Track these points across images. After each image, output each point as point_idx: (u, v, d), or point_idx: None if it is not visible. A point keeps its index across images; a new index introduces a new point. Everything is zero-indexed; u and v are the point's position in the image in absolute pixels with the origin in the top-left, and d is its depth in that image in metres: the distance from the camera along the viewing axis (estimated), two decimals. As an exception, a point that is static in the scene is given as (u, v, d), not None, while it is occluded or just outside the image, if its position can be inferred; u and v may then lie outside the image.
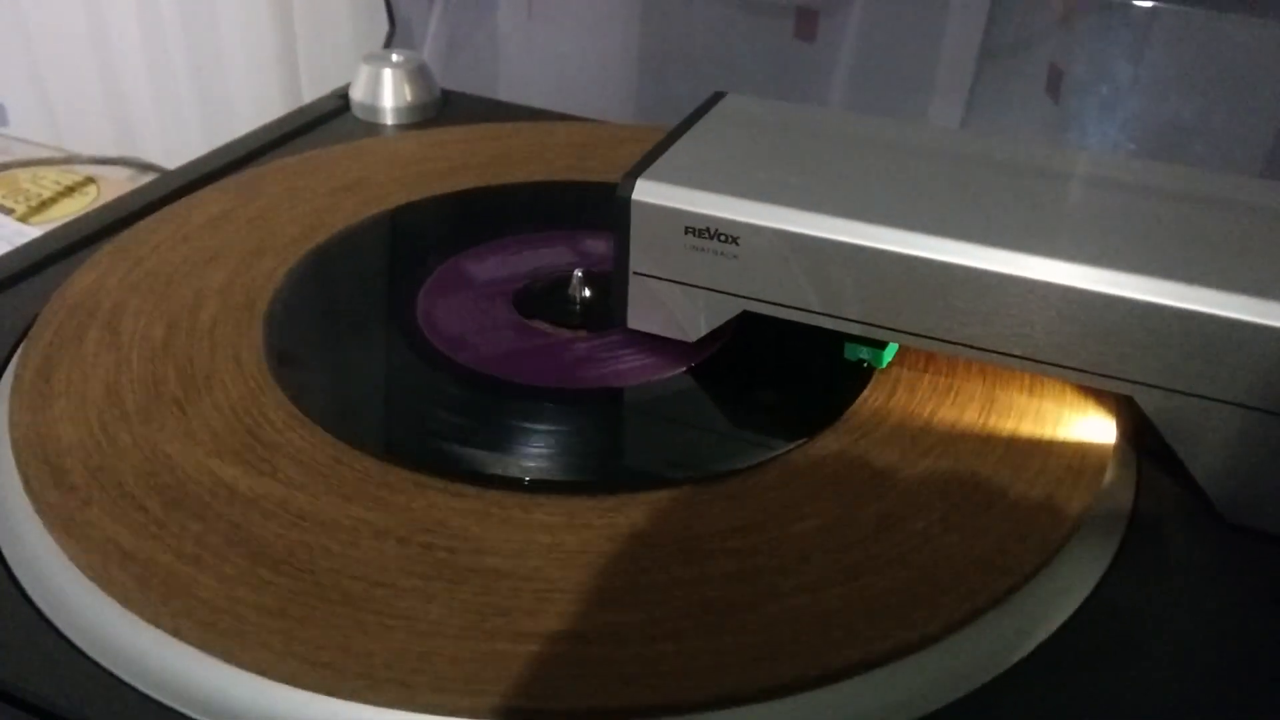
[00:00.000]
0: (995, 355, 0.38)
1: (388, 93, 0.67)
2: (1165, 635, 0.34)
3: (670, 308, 0.42)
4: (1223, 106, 0.66)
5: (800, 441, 0.39)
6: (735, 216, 0.39)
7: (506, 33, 0.84)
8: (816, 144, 0.45)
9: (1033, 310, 0.37)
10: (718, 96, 0.48)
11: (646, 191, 0.41)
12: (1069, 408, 0.41)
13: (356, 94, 0.68)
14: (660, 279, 0.42)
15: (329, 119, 0.68)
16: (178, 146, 0.88)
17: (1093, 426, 0.40)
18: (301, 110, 0.68)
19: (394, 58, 0.68)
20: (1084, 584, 0.35)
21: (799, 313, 0.40)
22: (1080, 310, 0.36)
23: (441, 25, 0.84)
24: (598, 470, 0.38)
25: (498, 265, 0.49)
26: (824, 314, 0.40)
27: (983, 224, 0.38)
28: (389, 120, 0.67)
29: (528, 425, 0.39)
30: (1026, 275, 0.36)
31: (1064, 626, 0.34)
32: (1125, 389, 0.37)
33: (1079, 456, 0.39)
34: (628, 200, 0.41)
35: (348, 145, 0.62)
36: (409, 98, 0.68)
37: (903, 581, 0.33)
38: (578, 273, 0.46)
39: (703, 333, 0.42)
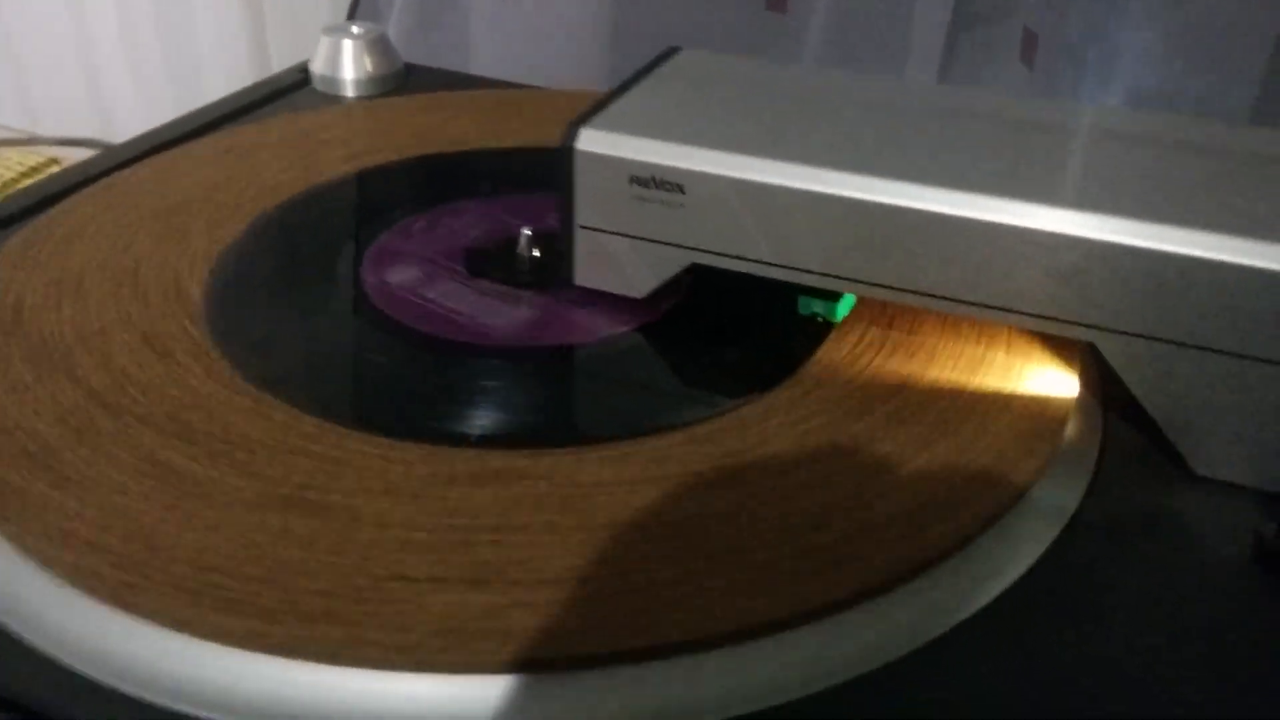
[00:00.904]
0: (954, 303, 0.37)
1: (348, 64, 0.66)
2: (1126, 593, 0.32)
3: (618, 262, 0.41)
4: (1201, 70, 0.64)
5: (749, 398, 0.37)
6: (680, 164, 0.38)
7: (478, 8, 0.83)
8: (769, 95, 0.43)
9: (991, 254, 0.35)
10: (672, 51, 0.47)
11: (591, 140, 0.39)
12: (1031, 360, 0.40)
13: (316, 66, 0.67)
14: (607, 232, 0.40)
15: (289, 92, 0.66)
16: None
17: (1055, 378, 0.39)
18: (261, 83, 0.67)
19: (354, 29, 0.67)
20: (1041, 538, 0.34)
21: (748, 264, 0.39)
22: (1040, 253, 0.35)
23: (410, 0, 0.83)
24: (535, 428, 0.36)
25: (447, 230, 0.48)
26: (774, 264, 0.38)
27: (939, 168, 0.37)
28: (350, 92, 0.66)
29: (478, 383, 0.38)
30: (985, 218, 0.35)
31: (1019, 582, 0.32)
32: (1087, 335, 0.36)
33: (1040, 409, 0.37)
34: (571, 150, 0.39)
35: (296, 114, 0.61)
36: (370, 69, 0.66)
37: (853, 532, 0.32)
38: (525, 231, 0.44)
39: (651, 287, 0.41)
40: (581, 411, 0.38)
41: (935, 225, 0.36)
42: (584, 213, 0.40)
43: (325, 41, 0.66)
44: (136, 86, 0.89)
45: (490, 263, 0.45)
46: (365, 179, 0.53)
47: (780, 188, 0.37)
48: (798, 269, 0.38)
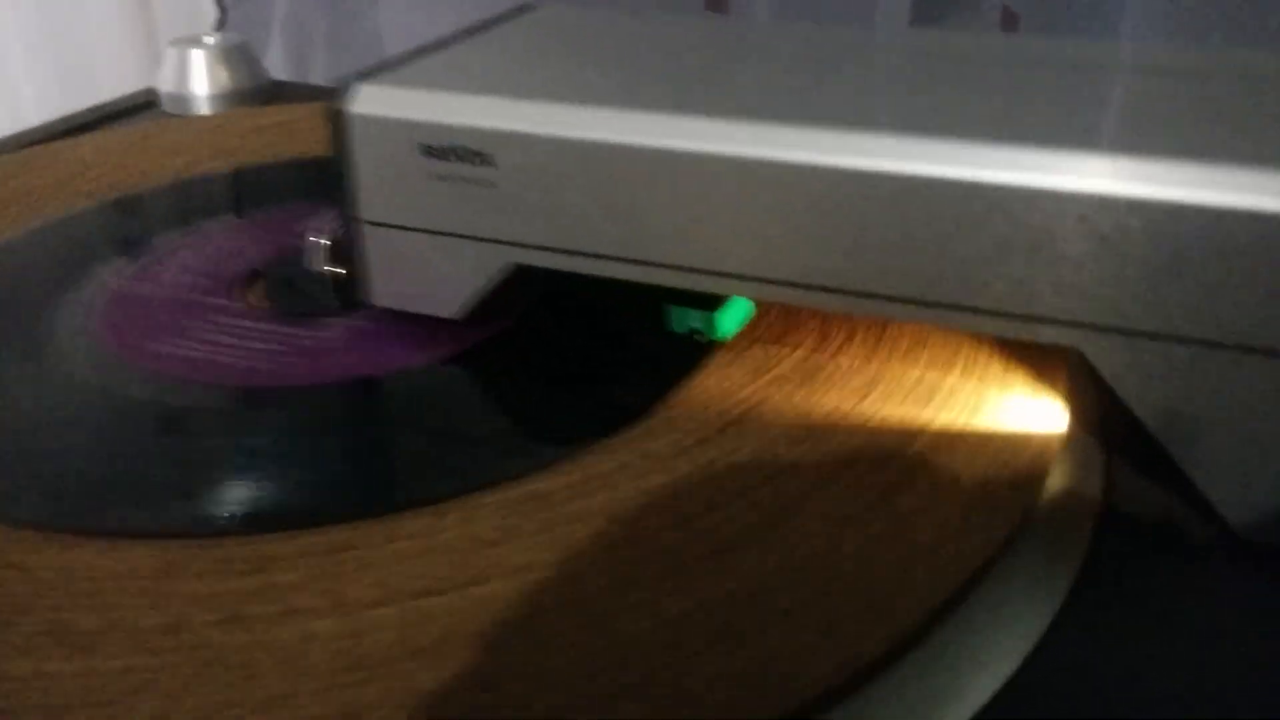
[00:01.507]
0: (890, 303, 0.25)
1: (199, 79, 0.56)
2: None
3: (421, 271, 0.30)
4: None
5: (586, 446, 0.26)
6: (485, 123, 0.27)
7: (387, 25, 0.74)
8: (641, 45, 0.32)
9: (941, 225, 0.24)
10: (526, 7, 0.36)
11: (371, 100, 0.28)
12: (998, 383, 0.28)
13: (163, 83, 0.57)
14: (401, 228, 0.29)
15: (134, 113, 0.57)
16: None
17: (1030, 410, 0.27)
18: (96, 107, 0.57)
19: (207, 40, 0.57)
20: (1010, 649, 0.22)
21: (590, 262, 0.28)
22: (1006, 217, 0.23)
23: (318, 19, 0.74)
24: (296, 502, 0.25)
25: (215, 254, 0.37)
26: (626, 260, 0.27)
27: (866, 111, 0.26)
28: (204, 110, 0.56)
29: (234, 443, 0.27)
30: (930, 173, 0.24)
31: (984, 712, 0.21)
32: (1069, 337, 0.24)
33: (1007, 455, 0.26)
34: (343, 114, 0.28)
35: (90, 136, 0.51)
36: (226, 83, 0.56)
37: (710, 676, 0.20)
38: (321, 240, 0.33)
39: (465, 304, 0.30)
40: (360, 474, 0.26)
41: (860, 188, 0.24)
42: (369, 203, 0.29)
43: (171, 54, 0.56)
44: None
45: (278, 287, 0.34)
46: (124, 205, 0.42)
47: (628, 148, 0.26)
48: (662, 265, 0.27)
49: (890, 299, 0.25)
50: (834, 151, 0.24)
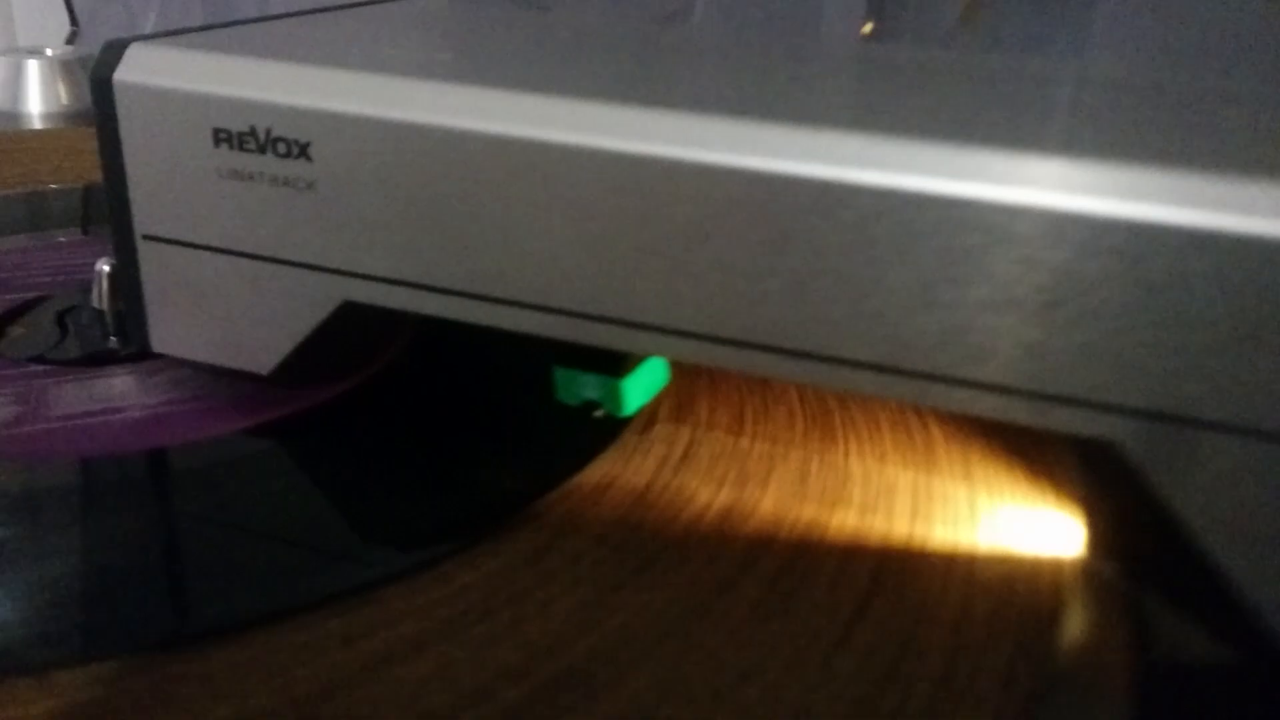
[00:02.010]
0: (846, 369, 0.18)
1: (33, 94, 0.48)
2: None
3: (218, 306, 0.21)
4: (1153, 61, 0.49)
5: (432, 559, 0.18)
6: (298, 99, 0.19)
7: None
8: (505, 33, 0.25)
9: (918, 259, 0.17)
10: (399, -4, 0.29)
11: (144, 65, 0.21)
12: (988, 487, 0.21)
13: (-10, 97, 0.48)
14: (187, 245, 0.21)
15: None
16: None
17: (1033, 527, 0.20)
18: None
19: (49, 52, 0.49)
20: None
21: (441, 300, 0.20)
22: (1009, 252, 0.16)
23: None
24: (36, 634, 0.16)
25: None
26: (485, 298, 0.19)
27: (826, 106, 0.19)
28: (38, 127, 0.47)
29: None
30: (913, 187, 0.17)
31: None
32: (1099, 427, 0.17)
33: (1002, 594, 0.18)
34: (108, 83, 0.21)
35: None
36: (68, 100, 0.48)
37: None
38: (107, 267, 0.25)
39: (278, 357, 0.21)
40: (130, 594, 0.18)
41: (819, 203, 0.17)
42: (144, 210, 0.21)
43: (2, 65, 0.48)
44: None
45: (43, 326, 0.26)
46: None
47: (491, 136, 0.18)
48: (541, 308, 0.19)
49: (849, 364, 0.18)
50: (796, 153, 0.17)
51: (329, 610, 0.17)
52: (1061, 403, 0.17)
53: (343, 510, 0.20)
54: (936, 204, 0.16)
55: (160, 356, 0.23)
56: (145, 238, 0.21)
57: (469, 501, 0.20)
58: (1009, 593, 0.18)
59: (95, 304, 0.25)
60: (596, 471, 0.21)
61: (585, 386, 0.21)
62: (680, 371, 0.24)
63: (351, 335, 0.22)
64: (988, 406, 0.17)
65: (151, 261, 0.22)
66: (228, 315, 0.21)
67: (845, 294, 0.17)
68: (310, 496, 0.21)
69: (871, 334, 0.17)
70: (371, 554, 0.19)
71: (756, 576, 0.18)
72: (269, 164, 0.20)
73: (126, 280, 0.22)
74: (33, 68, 0.48)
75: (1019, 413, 0.17)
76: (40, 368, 0.24)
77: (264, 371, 0.22)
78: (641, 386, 0.22)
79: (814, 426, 0.23)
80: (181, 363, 0.23)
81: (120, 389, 0.23)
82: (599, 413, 0.21)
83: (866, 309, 0.17)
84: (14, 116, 0.48)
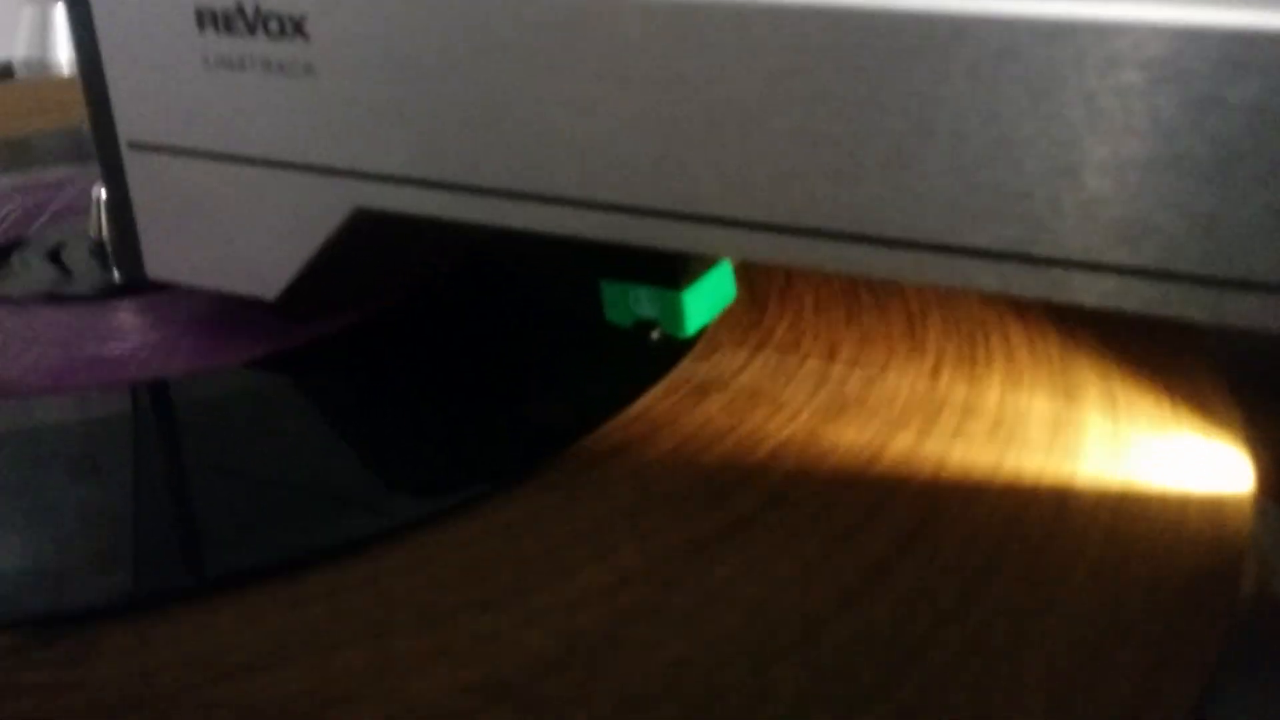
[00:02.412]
0: (956, 259, 0.14)
1: (62, 41, 0.46)
2: None
3: (214, 221, 0.19)
4: None
5: (462, 506, 0.15)
6: (293, -35, 0.16)
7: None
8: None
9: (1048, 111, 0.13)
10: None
11: (123, -56, 0.18)
12: (1131, 419, 0.17)
13: (18, 48, 0.46)
14: (176, 151, 0.18)
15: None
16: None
17: (1189, 464, 0.16)
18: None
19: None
20: None
21: (470, 201, 0.17)
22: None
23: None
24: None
25: None
26: (521, 196, 0.16)
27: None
28: (67, 76, 0.45)
29: None
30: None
31: None
32: (1258, 315, 0.13)
33: (1154, 548, 0.15)
34: (76, -37, 0.18)
35: None
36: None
37: None
38: (99, 191, 0.22)
39: (286, 277, 0.19)
40: (118, 549, 0.15)
41: (927, 44, 0.13)
42: (127, 113, 0.18)
43: (28, 14, 0.46)
44: None
45: (29, 261, 0.24)
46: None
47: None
48: (588, 204, 0.16)
49: (966, 252, 0.14)
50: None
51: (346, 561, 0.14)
52: (1240, 288, 0.13)
53: (362, 452, 0.17)
54: (1081, 32, 0.12)
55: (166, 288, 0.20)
56: (131, 145, 0.19)
57: (504, 440, 0.17)
58: (1162, 547, 0.15)
59: (92, 233, 0.23)
60: (654, 404, 0.17)
61: (638, 303, 0.18)
62: (750, 281, 0.20)
63: (368, 251, 0.19)
64: (1144, 298, 0.13)
65: (140, 173, 0.19)
66: (226, 232, 0.19)
67: (960, 162, 0.13)
68: (327, 436, 0.18)
69: (996, 213, 0.14)
70: (392, 500, 0.16)
71: (865, 536, 0.15)
72: (260, 47, 0.17)
73: (114, 197, 0.19)
74: (62, 14, 0.45)
75: (1187, 305, 0.13)
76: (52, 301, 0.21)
77: (270, 296, 0.19)
78: (705, 301, 0.18)
79: (917, 342, 0.19)
80: (196, 294, 0.20)
81: (123, 319, 0.21)
82: (655, 334, 0.18)
83: (986, 180, 0.13)
84: (44, 65, 0.46)
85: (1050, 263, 0.14)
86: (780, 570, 0.14)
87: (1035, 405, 0.17)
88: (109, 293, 0.22)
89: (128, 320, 0.21)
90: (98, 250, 0.23)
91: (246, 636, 0.13)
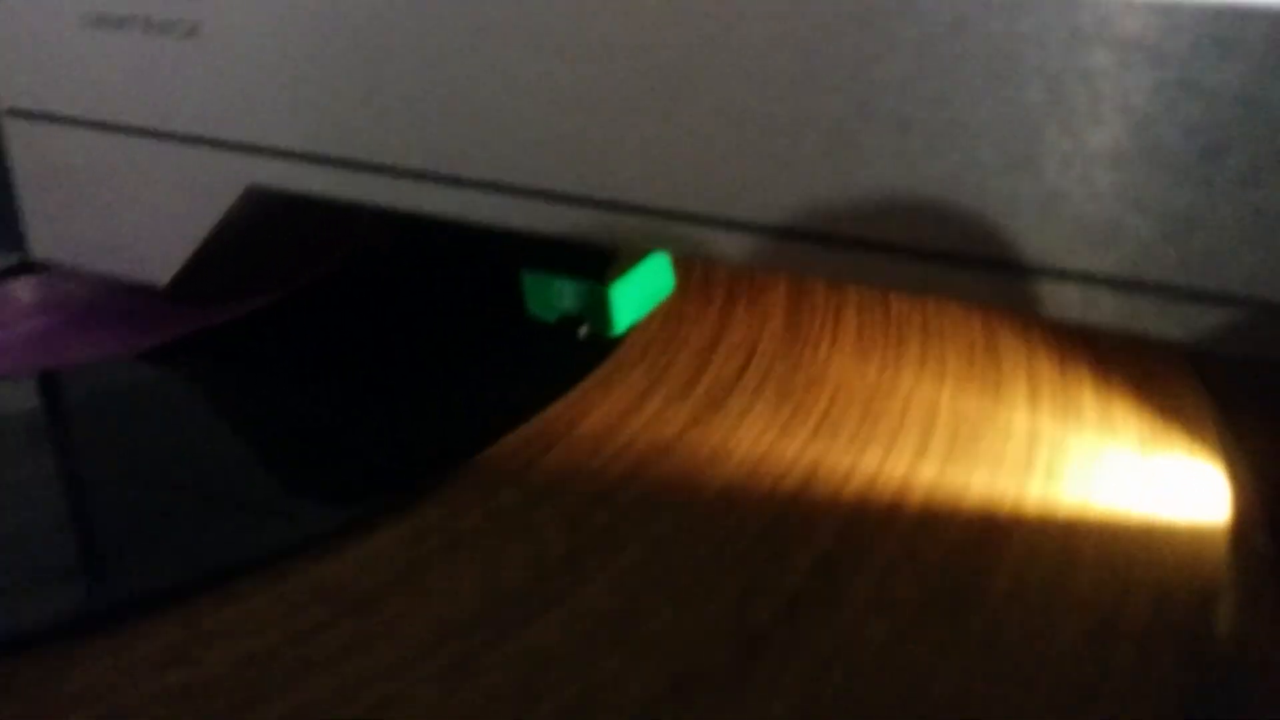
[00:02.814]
0: (914, 263, 0.13)
1: None
2: None
3: (100, 197, 0.17)
4: None
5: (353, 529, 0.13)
6: (173, -87, 0.15)
7: None
8: None
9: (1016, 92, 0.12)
10: None
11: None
12: (1111, 437, 0.16)
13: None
14: (57, 119, 0.17)
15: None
16: None
17: (1171, 487, 0.15)
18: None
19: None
20: None
21: (376, 183, 0.15)
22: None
23: None
24: None
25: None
26: (435, 177, 0.15)
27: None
28: None
29: None
30: None
31: None
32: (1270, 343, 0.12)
33: (1138, 572, 0.13)
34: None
35: None
36: None
37: None
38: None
39: (175, 262, 0.17)
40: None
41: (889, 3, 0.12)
42: (6, 80, 0.17)
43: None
44: None
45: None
46: None
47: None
48: (508, 189, 0.14)
49: (918, 254, 0.12)
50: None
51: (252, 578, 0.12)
52: (1217, 302, 0.11)
53: (259, 456, 0.16)
54: (1044, 4, 0.11)
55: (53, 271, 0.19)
56: (10, 112, 0.17)
57: (410, 446, 0.15)
58: (1145, 571, 0.13)
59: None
60: (576, 405, 0.16)
61: (563, 296, 0.16)
62: (687, 273, 0.19)
63: (267, 233, 0.17)
64: (1111, 311, 0.12)
65: (20, 143, 0.17)
66: (112, 211, 0.17)
67: (904, 149, 0.12)
68: (220, 439, 0.16)
69: (945, 209, 0.12)
70: (292, 511, 0.14)
71: (795, 565, 0.13)
72: (141, 3, 0.15)
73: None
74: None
75: (1159, 320, 0.12)
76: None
77: (160, 283, 0.17)
78: (636, 295, 0.17)
79: (875, 344, 0.18)
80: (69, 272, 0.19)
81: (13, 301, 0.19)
82: (583, 330, 0.17)
83: (933, 172, 0.12)
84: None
85: (1005, 267, 0.12)
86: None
87: (994, 418, 0.16)
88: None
89: (17, 302, 0.19)
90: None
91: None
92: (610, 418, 0.16)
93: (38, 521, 0.14)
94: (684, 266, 0.19)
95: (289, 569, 0.13)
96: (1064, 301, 0.12)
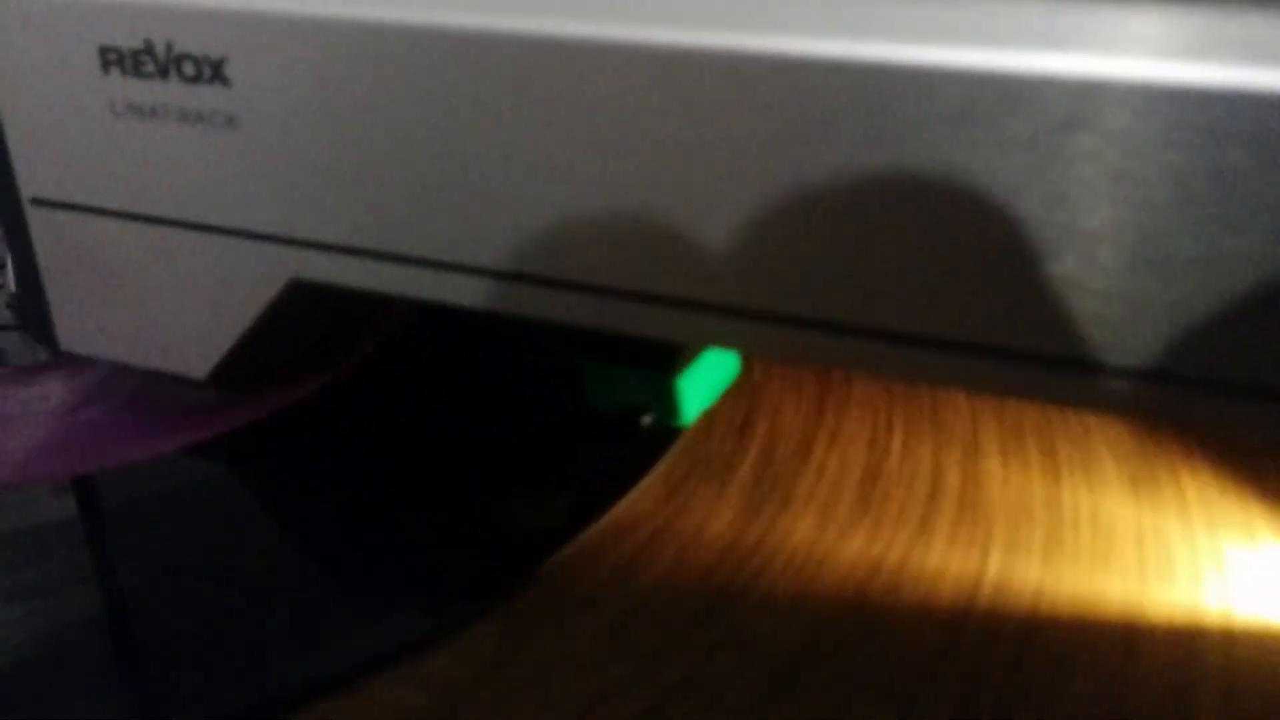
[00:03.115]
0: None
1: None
2: None
3: (133, 289, 0.16)
4: None
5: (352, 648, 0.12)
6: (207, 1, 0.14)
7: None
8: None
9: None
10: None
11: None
12: (1211, 530, 0.15)
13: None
14: (87, 210, 0.16)
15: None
16: None
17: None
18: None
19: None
20: None
21: (423, 277, 0.14)
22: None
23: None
24: None
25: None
26: (483, 272, 0.14)
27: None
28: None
29: None
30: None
31: None
32: None
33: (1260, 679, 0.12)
34: (-39, -8, 0.15)
35: None
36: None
37: None
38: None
39: (213, 356, 0.16)
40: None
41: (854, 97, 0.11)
42: (31, 167, 0.16)
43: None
44: None
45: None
46: None
47: (490, 35, 0.12)
48: (564, 284, 0.13)
49: (983, 352, 0.11)
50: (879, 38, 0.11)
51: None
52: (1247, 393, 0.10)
53: (308, 566, 0.15)
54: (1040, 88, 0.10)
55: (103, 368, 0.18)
56: (34, 202, 0.16)
57: (472, 550, 0.14)
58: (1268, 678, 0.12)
59: (12, 287, 0.20)
60: (643, 502, 0.15)
61: (627, 387, 0.16)
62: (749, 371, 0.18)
63: (309, 324, 0.16)
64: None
65: (46, 233, 0.16)
66: (147, 303, 0.16)
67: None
68: (268, 547, 0.15)
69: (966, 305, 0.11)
70: (347, 628, 0.13)
71: (903, 670, 0.12)
72: (174, 93, 0.14)
73: (20, 259, 0.17)
74: None
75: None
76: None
77: (199, 375, 0.16)
78: (704, 382, 0.16)
79: (949, 433, 0.17)
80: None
81: (44, 393, 0.18)
82: (647, 419, 0.16)
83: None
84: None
85: (1051, 362, 0.11)
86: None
87: (1099, 512, 0.15)
88: (34, 357, 0.19)
89: (53, 396, 0.18)
90: (18, 304, 0.20)
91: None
92: (685, 512, 0.15)
93: (96, 643, 0.13)
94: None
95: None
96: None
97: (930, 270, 0.11)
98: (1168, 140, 0.10)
